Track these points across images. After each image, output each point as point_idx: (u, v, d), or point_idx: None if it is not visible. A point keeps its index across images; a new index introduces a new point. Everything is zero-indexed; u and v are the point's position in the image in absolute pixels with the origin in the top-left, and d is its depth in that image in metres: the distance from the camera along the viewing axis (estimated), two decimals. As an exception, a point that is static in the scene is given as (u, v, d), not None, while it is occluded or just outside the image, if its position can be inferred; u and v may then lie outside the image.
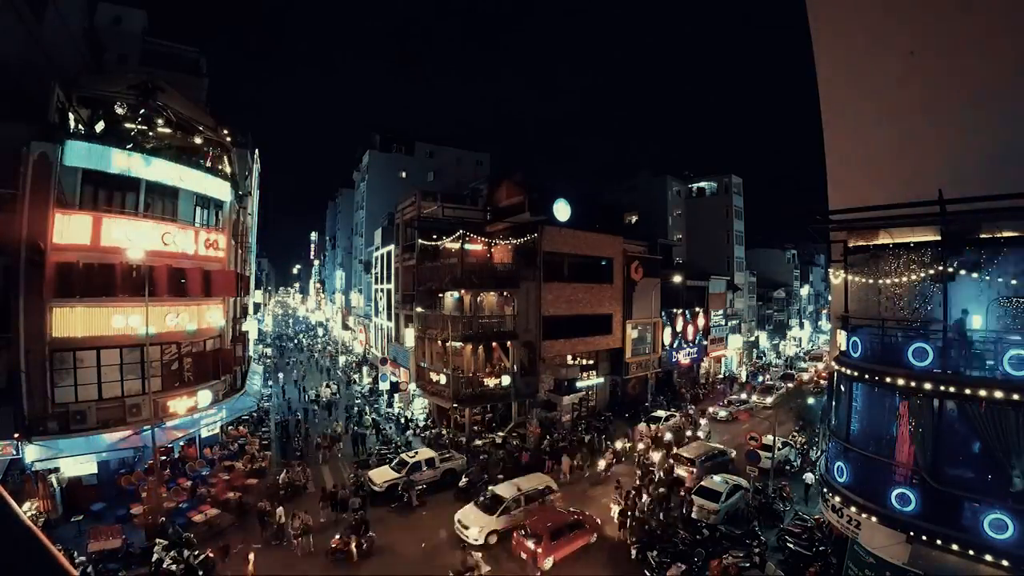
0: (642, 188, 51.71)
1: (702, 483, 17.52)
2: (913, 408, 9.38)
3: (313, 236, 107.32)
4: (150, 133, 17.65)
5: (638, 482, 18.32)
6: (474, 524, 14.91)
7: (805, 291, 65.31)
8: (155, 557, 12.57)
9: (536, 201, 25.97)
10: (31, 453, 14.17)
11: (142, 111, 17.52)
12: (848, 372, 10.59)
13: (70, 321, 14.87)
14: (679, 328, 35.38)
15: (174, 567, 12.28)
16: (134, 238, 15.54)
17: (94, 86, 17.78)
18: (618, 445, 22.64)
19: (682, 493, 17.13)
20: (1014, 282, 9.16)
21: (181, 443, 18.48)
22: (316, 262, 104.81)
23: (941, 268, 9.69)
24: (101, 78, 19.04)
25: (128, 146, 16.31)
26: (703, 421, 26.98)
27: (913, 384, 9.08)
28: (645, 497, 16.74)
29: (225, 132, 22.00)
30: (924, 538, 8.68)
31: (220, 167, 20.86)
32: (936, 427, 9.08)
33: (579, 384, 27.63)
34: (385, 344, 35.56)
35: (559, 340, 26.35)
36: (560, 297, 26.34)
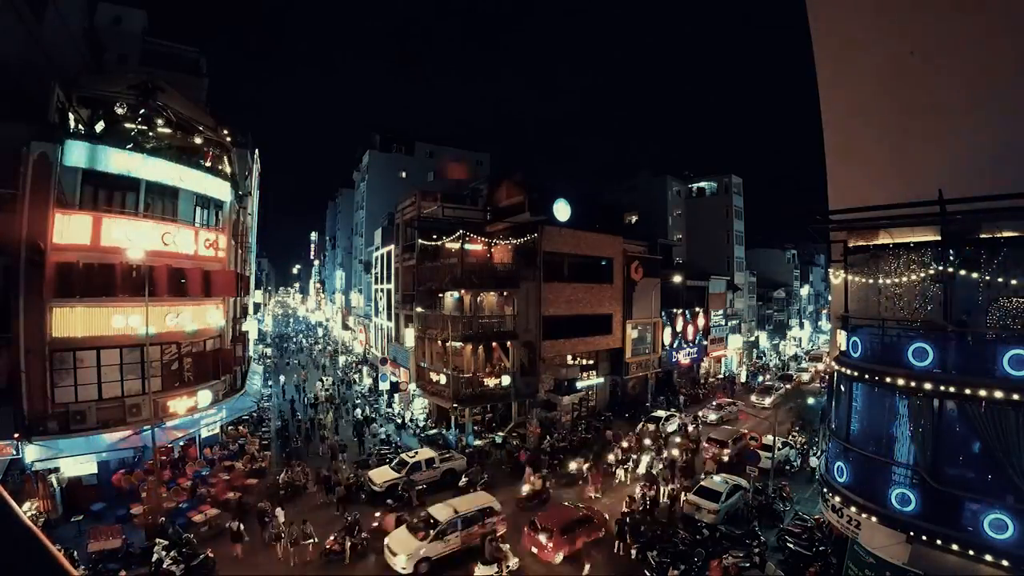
0: (642, 188, 51.70)
1: (702, 483, 17.53)
2: (913, 408, 9.38)
3: (313, 236, 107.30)
4: (150, 133, 17.64)
5: (648, 481, 18.42)
6: (402, 550, 13.19)
7: (805, 291, 65.31)
8: (155, 557, 12.58)
9: (536, 201, 25.97)
10: (31, 453, 14.18)
11: (142, 111, 17.53)
12: (848, 372, 10.59)
13: (70, 321, 14.87)
14: (679, 328, 35.39)
15: (174, 567, 12.29)
16: (134, 238, 15.54)
17: (94, 86, 17.79)
18: (624, 444, 22.61)
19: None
20: (1014, 282, 9.15)
21: (181, 443, 18.49)
22: (316, 262, 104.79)
23: (941, 268, 9.70)
24: (101, 78, 19.05)
25: (128, 146, 16.32)
26: (691, 427, 26.18)
27: (913, 384, 9.08)
28: (671, 486, 17.94)
29: (225, 132, 22.01)
30: (924, 538, 8.68)
31: (220, 167, 20.86)
32: (936, 427, 9.07)
33: (579, 384, 27.64)
34: (385, 344, 35.56)
35: (559, 340, 26.36)
36: (560, 297, 26.34)
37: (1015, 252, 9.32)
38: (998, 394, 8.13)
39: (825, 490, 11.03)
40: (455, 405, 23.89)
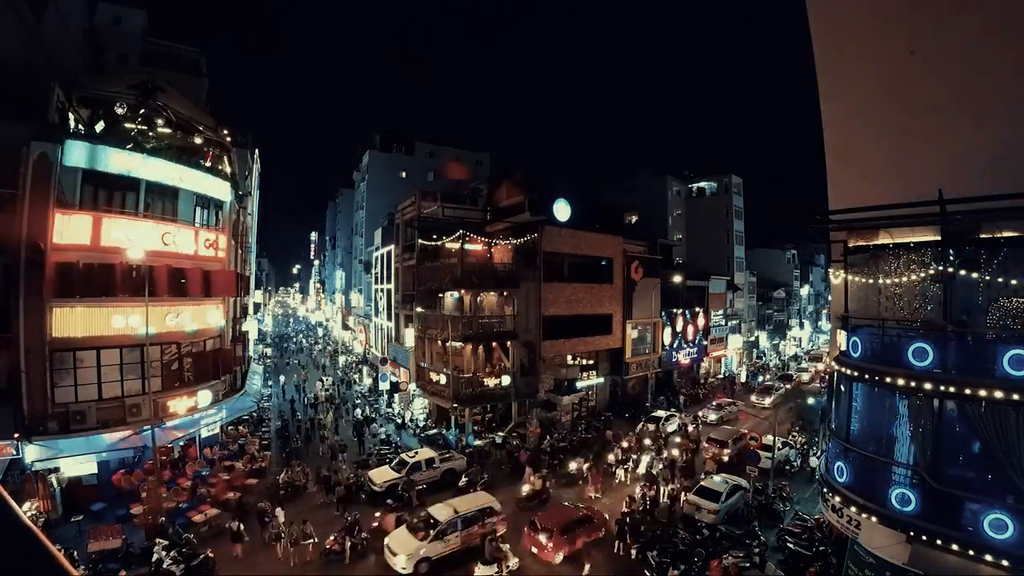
0: (642, 188, 51.71)
1: (702, 483, 17.53)
2: (913, 408, 9.38)
3: (313, 236, 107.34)
4: (150, 133, 17.65)
5: (648, 481, 18.44)
6: (402, 550, 13.23)
7: (805, 291, 65.33)
8: (155, 557, 12.58)
9: (536, 201, 25.98)
10: (31, 453, 14.18)
11: (142, 111, 17.53)
12: (848, 372, 10.59)
13: (70, 321, 14.87)
14: (679, 328, 35.39)
15: (174, 567, 12.29)
16: (134, 238, 15.54)
17: (94, 86, 17.80)
18: (624, 444, 22.55)
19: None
20: (1014, 282, 9.15)
21: (181, 443, 18.50)
22: (316, 262, 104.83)
23: (941, 268, 9.70)
24: (101, 78, 19.06)
25: (128, 146, 16.31)
26: (691, 427, 26.12)
27: (913, 384, 9.08)
28: (671, 486, 18.07)
29: (225, 132, 22.01)
30: (924, 538, 8.68)
31: (220, 167, 20.87)
32: (936, 427, 9.07)
33: (579, 384, 27.65)
34: (385, 344, 35.57)
35: (559, 340, 26.36)
36: (560, 297, 26.34)
37: (1015, 252, 9.32)
38: (998, 394, 8.13)
39: (825, 490, 11.03)
40: (455, 405, 23.89)
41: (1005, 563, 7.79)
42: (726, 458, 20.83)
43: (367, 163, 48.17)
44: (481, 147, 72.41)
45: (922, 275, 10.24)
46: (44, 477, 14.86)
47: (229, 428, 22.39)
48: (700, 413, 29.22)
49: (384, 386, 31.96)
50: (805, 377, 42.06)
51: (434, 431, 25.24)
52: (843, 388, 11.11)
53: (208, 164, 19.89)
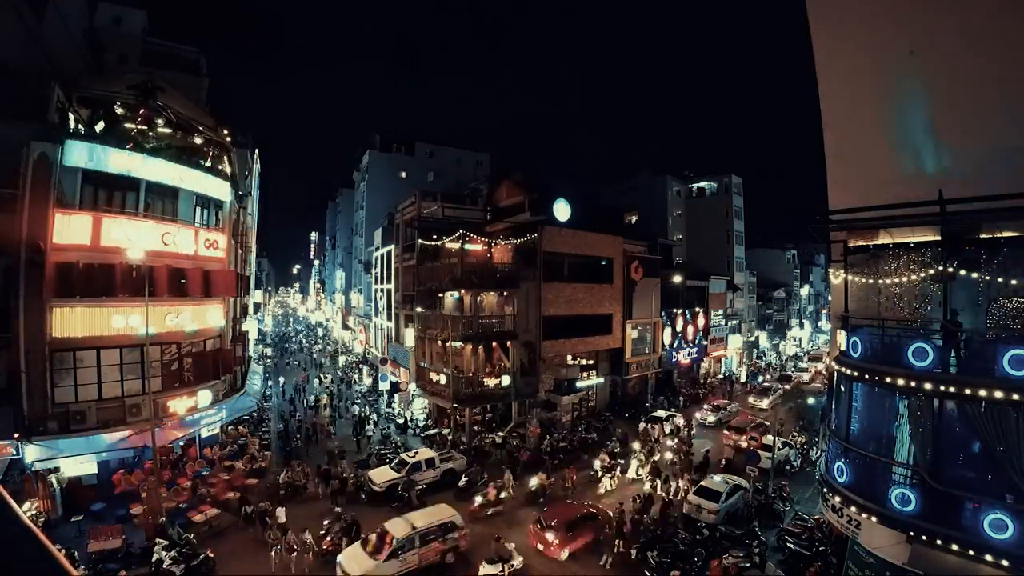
0: (642, 188, 51.73)
1: (702, 483, 17.53)
2: (913, 408, 9.38)
3: (313, 236, 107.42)
4: (150, 133, 17.65)
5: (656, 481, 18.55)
6: (355, 570, 12.43)
7: (805, 291, 65.33)
8: (155, 557, 12.58)
9: (536, 201, 25.99)
10: (31, 453, 14.18)
11: (142, 111, 17.53)
12: (848, 372, 10.59)
13: (70, 321, 14.87)
14: (679, 328, 35.38)
15: (174, 567, 12.29)
16: (134, 238, 15.53)
17: (94, 86, 17.82)
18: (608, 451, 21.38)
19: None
20: (1014, 282, 9.15)
21: (181, 443, 18.50)
22: (316, 262, 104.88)
23: (941, 268, 9.70)
24: (101, 78, 19.08)
25: (128, 146, 16.31)
26: (684, 431, 25.36)
27: (913, 384, 9.08)
28: (681, 482, 18.29)
29: (225, 132, 22.02)
30: (924, 538, 8.68)
31: (220, 167, 20.87)
32: (936, 427, 9.08)
33: (579, 384, 27.64)
34: (385, 344, 35.57)
35: (559, 340, 26.35)
36: (560, 297, 26.34)
37: (1015, 252, 9.32)
38: (998, 394, 8.13)
39: (825, 490, 11.03)
40: (455, 405, 23.90)
41: (1005, 563, 7.78)
42: (744, 443, 20.87)
43: (367, 163, 48.19)
44: (481, 147, 72.50)
45: (922, 275, 10.25)
46: (44, 477, 14.86)
47: (229, 428, 22.39)
48: (698, 415, 29.14)
49: (384, 386, 31.97)
50: (805, 377, 42.07)
51: (434, 431, 25.24)
52: (843, 388, 11.11)
53: (208, 164, 19.90)
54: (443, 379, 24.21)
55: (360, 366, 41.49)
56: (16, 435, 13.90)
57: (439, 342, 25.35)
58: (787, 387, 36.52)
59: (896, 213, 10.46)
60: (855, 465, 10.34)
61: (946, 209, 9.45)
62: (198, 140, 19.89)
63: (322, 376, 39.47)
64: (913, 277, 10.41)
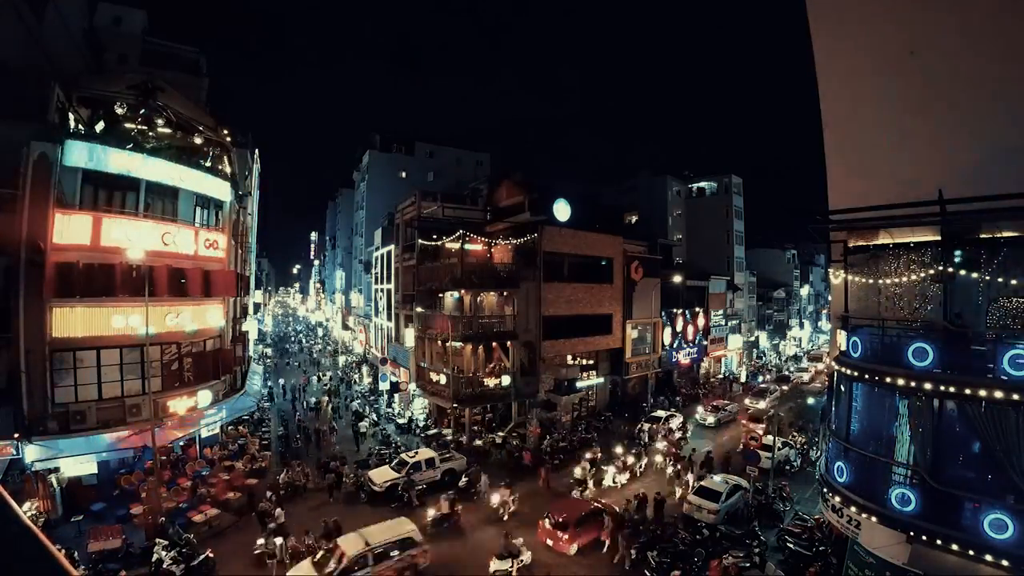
0: (642, 188, 51.74)
1: (702, 483, 17.53)
2: (913, 408, 9.38)
3: (313, 236, 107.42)
4: (150, 133, 17.66)
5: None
6: None
7: (805, 291, 65.36)
8: (155, 557, 12.58)
9: (536, 201, 25.99)
10: (31, 453, 14.17)
11: (142, 111, 17.53)
12: (848, 372, 10.59)
13: (70, 321, 14.87)
14: (679, 328, 35.38)
15: (174, 567, 12.29)
16: (134, 238, 15.53)
17: (94, 86, 17.82)
18: (589, 456, 20.26)
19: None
20: (1014, 282, 9.16)
21: (181, 443, 18.50)
22: (316, 262, 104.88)
23: (941, 268, 9.70)
24: (101, 78, 19.07)
25: (128, 146, 16.31)
26: (677, 433, 24.89)
27: (913, 384, 9.08)
28: (690, 476, 18.48)
29: (225, 132, 22.02)
30: (924, 538, 8.68)
31: (220, 167, 20.88)
32: (936, 427, 9.08)
33: (579, 384, 27.65)
34: (385, 344, 35.58)
35: (559, 340, 26.35)
36: (560, 297, 26.34)
37: (1015, 252, 9.32)
38: (998, 394, 8.13)
39: (825, 490, 11.03)
40: (455, 405, 23.90)
41: (1005, 563, 7.78)
42: (760, 430, 21.12)
43: (367, 163, 48.20)
44: (481, 147, 72.49)
45: (922, 275, 10.25)
46: (44, 477, 14.86)
47: (229, 428, 22.39)
48: (698, 415, 29.11)
49: (384, 386, 31.97)
50: (805, 377, 42.07)
51: (434, 431, 25.24)
52: (843, 388, 11.10)
53: (208, 164, 19.90)
54: (443, 379, 24.21)
55: (360, 366, 41.51)
56: (16, 435, 13.90)
57: (439, 342, 25.36)
58: (785, 388, 36.46)
59: (896, 213, 10.46)
60: (855, 465, 10.34)
61: (946, 209, 9.45)
62: (198, 140, 19.90)
63: (320, 374, 39.45)
64: (913, 277, 10.41)
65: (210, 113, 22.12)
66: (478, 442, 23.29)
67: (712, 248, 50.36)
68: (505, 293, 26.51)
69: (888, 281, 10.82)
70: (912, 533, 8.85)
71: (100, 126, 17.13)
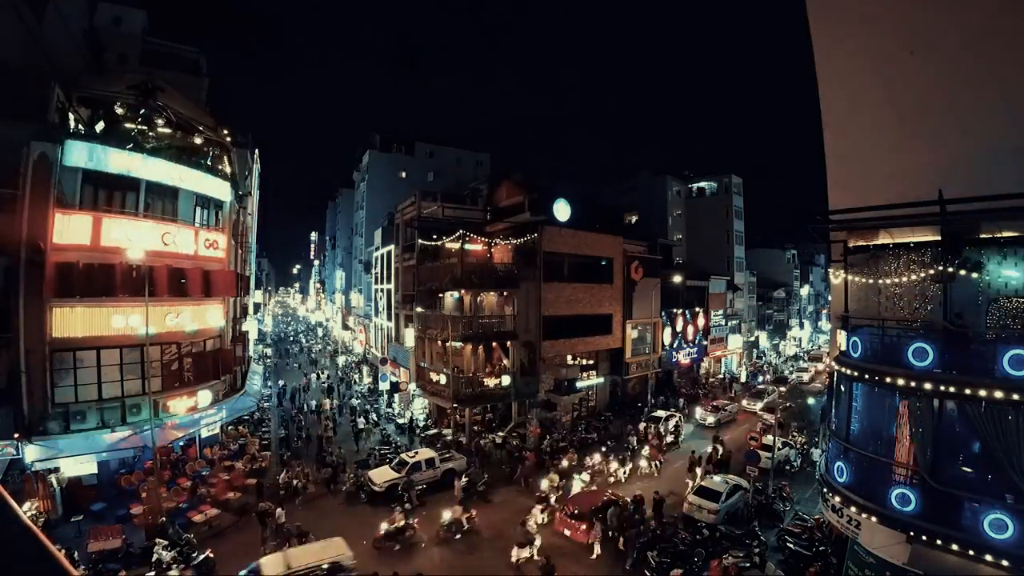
0: (642, 188, 51.75)
1: (702, 483, 17.53)
2: (913, 408, 9.38)
3: (313, 236, 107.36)
4: (150, 133, 17.65)
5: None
6: None
7: (805, 291, 65.35)
8: (155, 557, 12.57)
9: (536, 201, 25.97)
10: (31, 453, 14.17)
11: (142, 111, 17.53)
12: (848, 372, 10.59)
13: (70, 321, 14.87)
14: (679, 328, 35.38)
15: (174, 567, 12.29)
16: (134, 238, 15.52)
17: (94, 86, 17.81)
18: (565, 463, 19.91)
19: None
20: (1014, 282, 9.16)
21: (181, 443, 18.49)
22: (316, 262, 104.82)
23: (941, 268, 9.70)
24: (101, 78, 19.07)
25: (128, 146, 16.30)
26: (669, 437, 24.52)
27: (913, 384, 9.09)
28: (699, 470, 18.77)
29: (225, 132, 22.02)
30: (924, 538, 8.68)
31: (220, 167, 20.87)
32: (936, 427, 9.08)
33: (579, 384, 27.64)
34: (385, 344, 35.57)
35: (559, 340, 26.35)
36: (560, 297, 26.34)
37: (1015, 252, 9.32)
38: (998, 394, 8.14)
39: (825, 490, 11.03)
40: (455, 405, 23.89)
41: (1005, 563, 7.79)
42: (771, 421, 21.37)
43: (367, 163, 48.19)
44: (481, 147, 72.49)
45: (922, 275, 10.25)
46: (44, 477, 14.85)
47: (229, 428, 22.39)
48: (697, 416, 29.06)
49: (384, 386, 31.97)
50: (805, 377, 42.04)
51: (434, 431, 25.23)
52: (843, 388, 11.11)
53: (208, 164, 19.89)
54: (443, 379, 24.21)
55: (360, 366, 41.51)
56: (16, 435, 13.89)
57: (439, 342, 25.35)
58: (783, 389, 36.39)
59: (896, 213, 10.47)
60: (855, 465, 10.35)
61: (946, 209, 9.46)
62: (198, 140, 19.89)
63: (319, 373, 39.42)
64: (913, 277, 10.41)
65: (210, 113, 22.13)
66: (481, 441, 23.27)
67: (712, 248, 50.37)
68: (505, 293, 26.50)
69: (888, 281, 10.83)
70: (912, 533, 8.85)
71: (100, 126, 17.12)
